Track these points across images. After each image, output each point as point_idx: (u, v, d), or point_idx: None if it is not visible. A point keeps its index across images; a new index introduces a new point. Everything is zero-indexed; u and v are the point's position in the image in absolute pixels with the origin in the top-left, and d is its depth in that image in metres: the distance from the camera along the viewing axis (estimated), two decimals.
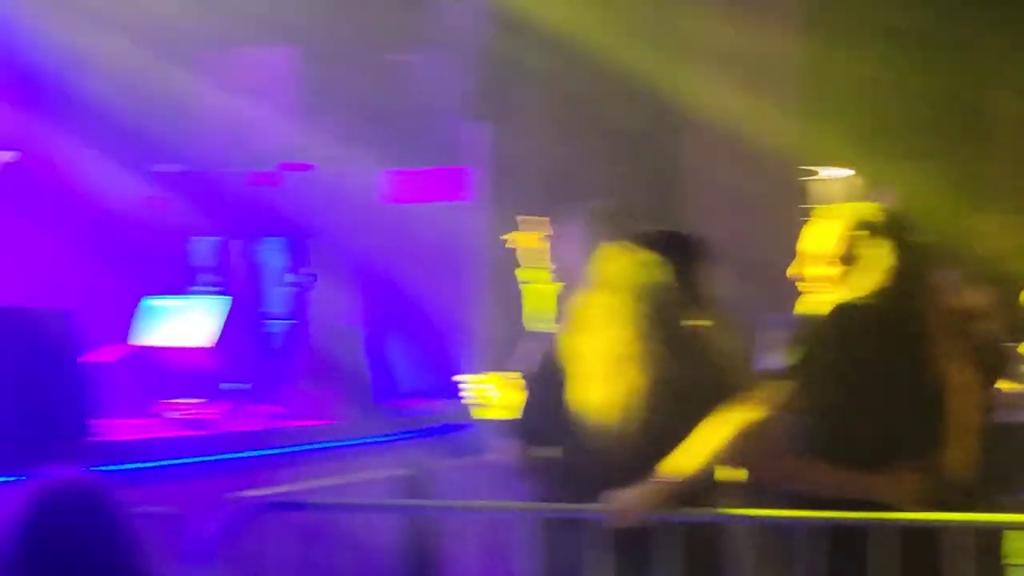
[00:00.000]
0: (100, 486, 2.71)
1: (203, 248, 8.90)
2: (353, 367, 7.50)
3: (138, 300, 8.26)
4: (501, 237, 8.35)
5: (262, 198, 9.02)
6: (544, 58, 9.76)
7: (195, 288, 8.68)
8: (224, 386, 8.19)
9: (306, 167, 9.53)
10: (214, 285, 8.73)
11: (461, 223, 9.83)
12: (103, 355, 6.91)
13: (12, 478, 5.31)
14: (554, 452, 4.68)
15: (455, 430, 7.89)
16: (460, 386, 8.48)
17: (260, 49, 9.70)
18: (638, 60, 9.76)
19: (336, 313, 8.72)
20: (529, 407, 4.80)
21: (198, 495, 6.17)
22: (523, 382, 4.83)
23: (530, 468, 4.76)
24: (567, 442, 4.65)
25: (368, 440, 7.26)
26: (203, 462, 6.43)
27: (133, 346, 7.93)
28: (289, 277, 8.59)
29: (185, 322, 8.33)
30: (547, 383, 4.69)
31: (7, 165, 7.99)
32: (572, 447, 4.64)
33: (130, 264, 8.87)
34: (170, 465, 6.24)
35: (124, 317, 8.19)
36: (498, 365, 7.67)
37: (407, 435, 7.57)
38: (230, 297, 8.46)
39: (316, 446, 7.10)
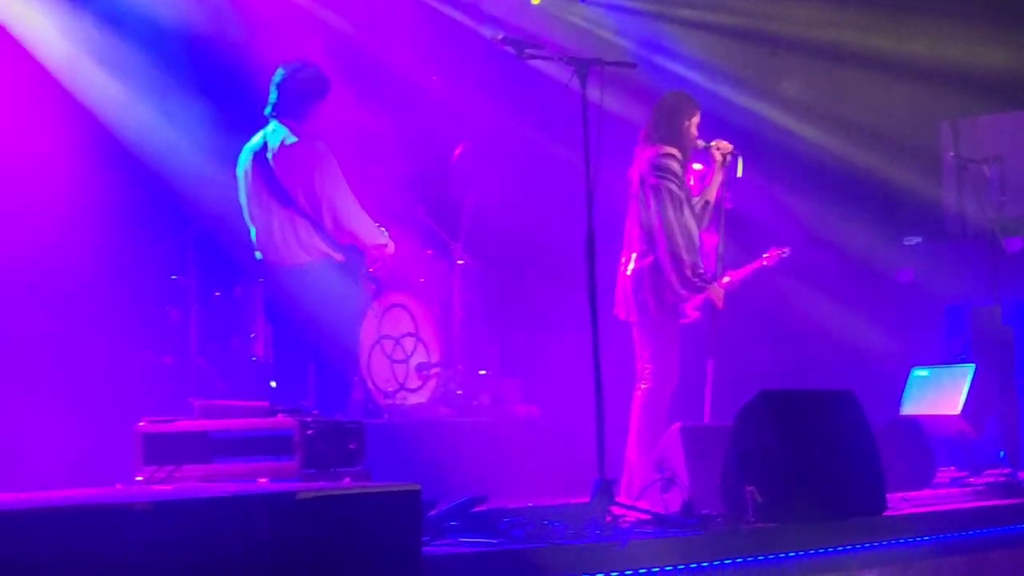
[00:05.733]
0: None
1: (952, 317, 9.04)
2: None
3: (906, 371, 8.54)
4: None
5: (1008, 263, 9.03)
6: None
7: (950, 357, 8.82)
8: (981, 453, 8.30)
9: None
10: (963, 353, 8.83)
11: None
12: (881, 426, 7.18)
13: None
14: None
15: None
16: None
17: (999, 115, 9.71)
18: None
19: None
20: None
21: (981, 570, 6.27)
22: None
23: None
24: None
25: None
26: (982, 535, 6.48)
27: (909, 416, 8.19)
28: None
29: (938, 391, 8.51)
30: None
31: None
32: None
33: (896, 335, 9.23)
34: (954, 539, 6.34)
35: (894, 387, 8.52)
36: None
37: None
38: (974, 365, 8.54)
39: None
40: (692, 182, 7.55)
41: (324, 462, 4.89)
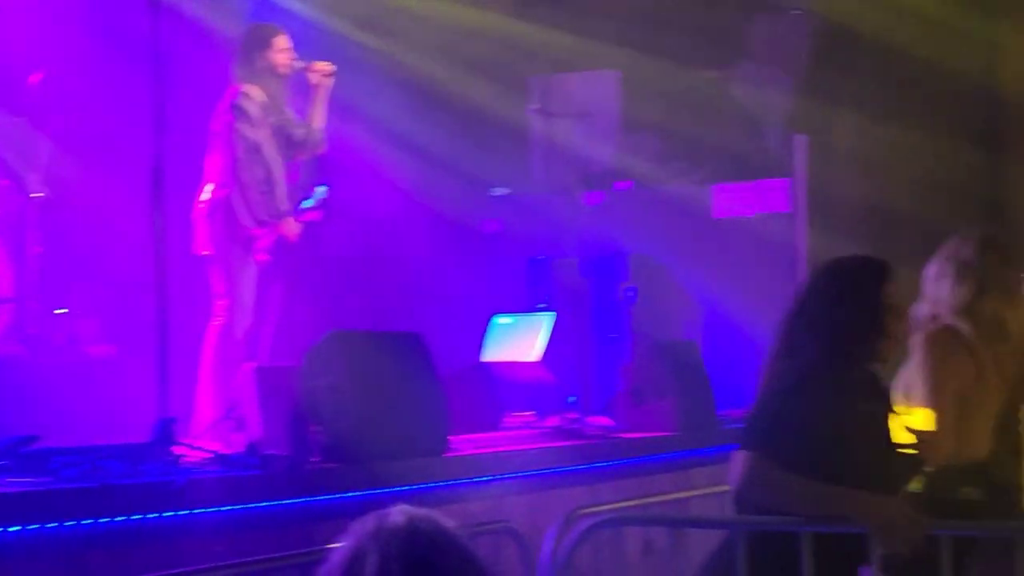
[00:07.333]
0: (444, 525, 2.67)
1: (534, 267, 9.29)
2: (692, 379, 7.65)
3: (488, 318, 8.72)
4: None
5: (588, 217, 9.35)
6: (863, 69, 9.75)
7: (531, 306, 9.07)
8: (559, 399, 8.59)
9: (628, 185, 9.83)
10: (544, 302, 9.10)
11: (778, 234, 9.89)
12: (453, 371, 7.31)
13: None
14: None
15: None
16: None
17: (584, 73, 10.01)
18: (963, 69, 9.63)
19: (667, 326, 8.94)
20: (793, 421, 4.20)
21: (541, 509, 6.47)
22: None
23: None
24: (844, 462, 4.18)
25: (710, 451, 7.36)
26: (541, 475, 6.70)
27: (481, 362, 8.37)
28: (624, 292, 8.88)
29: (518, 338, 8.74)
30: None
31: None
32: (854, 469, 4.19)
33: (480, 283, 9.39)
34: (514, 478, 6.52)
35: (477, 334, 8.68)
36: None
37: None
38: (554, 313, 8.82)
39: (654, 458, 7.28)
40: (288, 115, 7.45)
41: None
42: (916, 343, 4.84)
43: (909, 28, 9.64)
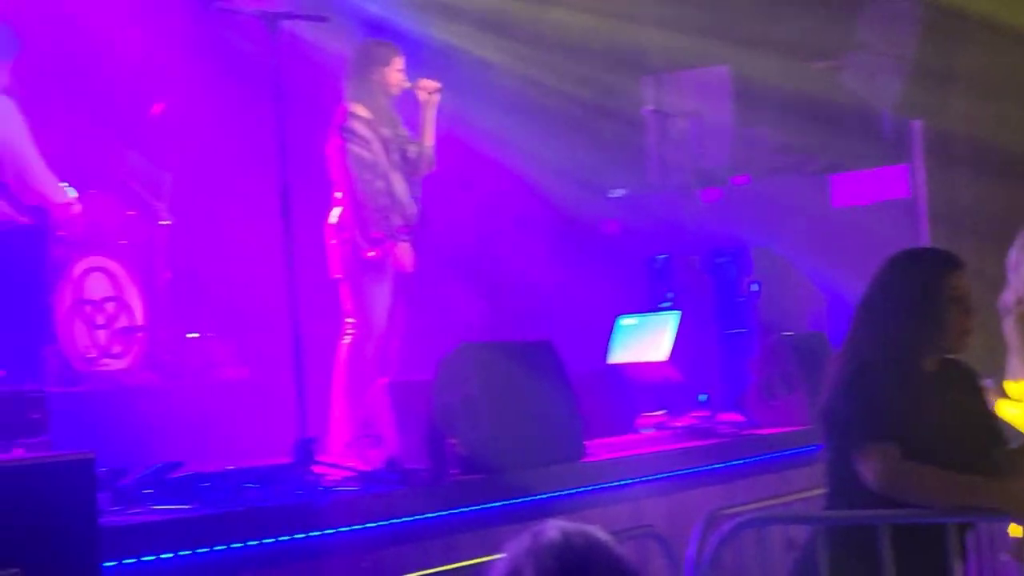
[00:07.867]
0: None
1: (655, 266, 9.27)
2: (822, 371, 7.57)
3: (612, 320, 8.71)
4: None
5: (706, 214, 9.32)
6: (975, 51, 9.60)
7: (655, 305, 9.06)
8: (688, 397, 8.57)
9: (745, 180, 9.77)
10: (668, 301, 9.08)
11: (900, 221, 9.78)
12: (582, 375, 7.31)
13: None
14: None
15: None
16: None
17: (696, 70, 9.98)
18: None
19: (792, 319, 8.87)
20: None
21: (681, 511, 6.46)
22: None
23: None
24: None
25: None
26: (678, 476, 6.68)
27: (608, 364, 8.37)
28: (749, 287, 8.85)
29: (645, 338, 8.72)
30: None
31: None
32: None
33: (603, 285, 9.40)
34: (652, 481, 6.52)
35: (601, 337, 8.68)
36: None
37: None
38: (680, 312, 8.79)
39: (788, 453, 7.22)
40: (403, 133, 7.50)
41: (3, 433, 4.70)
42: (1008, 328, 4.85)
43: (1018, 6, 9.48)
